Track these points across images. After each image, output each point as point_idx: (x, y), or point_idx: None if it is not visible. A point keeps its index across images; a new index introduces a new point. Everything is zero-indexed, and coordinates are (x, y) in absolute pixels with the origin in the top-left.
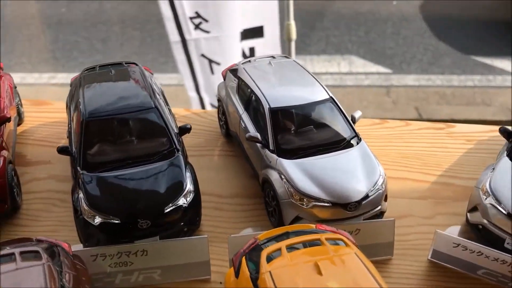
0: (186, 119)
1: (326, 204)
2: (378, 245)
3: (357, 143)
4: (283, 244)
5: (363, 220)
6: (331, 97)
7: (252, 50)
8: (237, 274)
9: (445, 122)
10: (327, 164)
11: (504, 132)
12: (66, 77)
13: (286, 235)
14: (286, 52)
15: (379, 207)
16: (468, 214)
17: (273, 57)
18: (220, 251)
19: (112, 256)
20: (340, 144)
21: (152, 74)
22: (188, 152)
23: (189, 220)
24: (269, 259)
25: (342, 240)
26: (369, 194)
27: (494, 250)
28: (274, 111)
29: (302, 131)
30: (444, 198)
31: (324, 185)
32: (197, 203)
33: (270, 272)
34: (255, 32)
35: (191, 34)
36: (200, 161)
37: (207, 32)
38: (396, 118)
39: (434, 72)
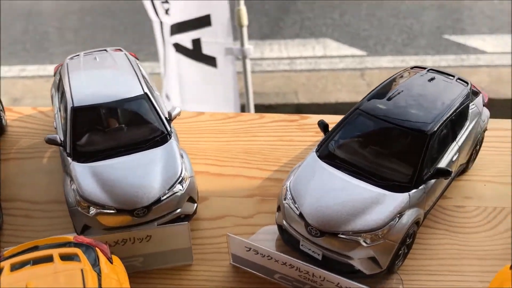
0: (31, 119)
1: (110, 211)
2: (176, 251)
3: (166, 142)
4: (7, 263)
5: (158, 225)
6: (145, 93)
7: (196, 42)
8: None
9: None
10: (122, 167)
11: (321, 125)
12: (37, 69)
13: (34, 250)
14: (238, 39)
15: (178, 210)
16: (276, 213)
17: (106, 50)
18: None
19: None
20: (145, 144)
21: None
22: (19, 155)
23: None
24: None
25: (77, 254)
26: (162, 198)
27: (281, 254)
28: (78, 110)
29: (109, 131)
30: (271, 195)
31: (112, 191)
32: None
33: None
34: (201, 22)
35: (163, 17)
36: (28, 164)
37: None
38: None
39: (408, 53)
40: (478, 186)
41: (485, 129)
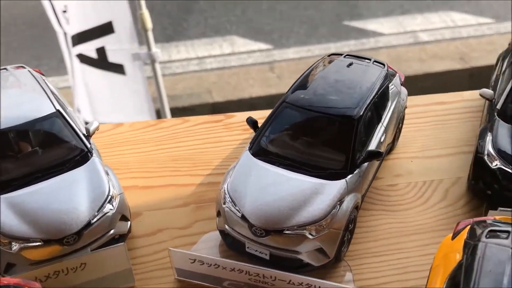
0: None
1: (36, 244)
2: (115, 274)
3: (87, 161)
4: None
5: (92, 250)
6: (57, 110)
7: (101, 51)
8: None
9: None
10: (43, 194)
11: (250, 122)
12: None
13: None
14: (144, 44)
15: (111, 232)
16: (216, 219)
17: (6, 69)
18: None
19: None
20: (65, 165)
21: None
22: None
23: None
24: None
25: None
26: (92, 221)
27: (228, 260)
28: None
29: (22, 156)
30: (207, 201)
31: (35, 221)
32: None
33: None
34: (103, 29)
35: (66, 28)
36: None
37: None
38: (280, 93)
39: (312, 43)
40: (405, 163)
41: (405, 107)
